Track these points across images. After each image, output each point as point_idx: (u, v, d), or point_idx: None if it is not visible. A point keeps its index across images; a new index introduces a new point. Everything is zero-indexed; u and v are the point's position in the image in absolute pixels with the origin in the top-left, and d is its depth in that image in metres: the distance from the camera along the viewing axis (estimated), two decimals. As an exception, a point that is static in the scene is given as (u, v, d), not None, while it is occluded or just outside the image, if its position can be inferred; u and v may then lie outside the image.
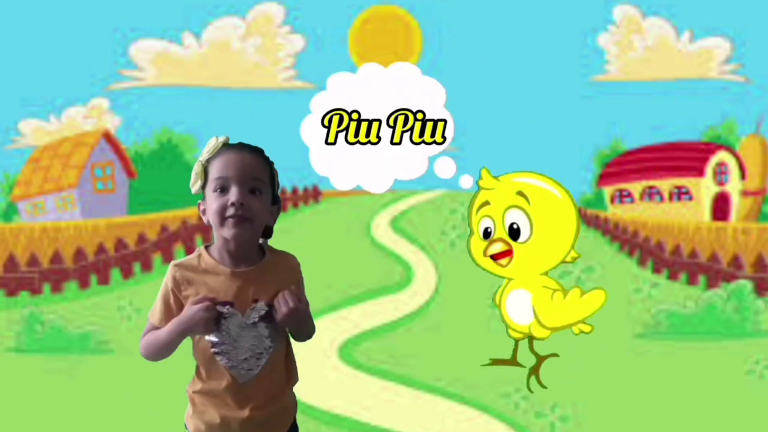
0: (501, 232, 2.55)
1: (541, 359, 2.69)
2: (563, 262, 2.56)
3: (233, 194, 2.12)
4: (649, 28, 21.84)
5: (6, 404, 5.82)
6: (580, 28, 21.74)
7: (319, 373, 6.59)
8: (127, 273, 12.03)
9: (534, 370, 2.69)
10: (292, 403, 2.30)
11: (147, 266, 12.38)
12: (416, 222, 17.01)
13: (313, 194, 21.27)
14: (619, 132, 21.51)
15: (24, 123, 21.40)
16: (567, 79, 21.91)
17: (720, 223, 16.97)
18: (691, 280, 11.76)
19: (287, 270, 2.25)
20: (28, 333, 7.66)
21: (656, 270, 12.72)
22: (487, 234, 2.57)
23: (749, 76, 21.09)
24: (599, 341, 7.62)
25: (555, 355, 2.67)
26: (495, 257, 2.56)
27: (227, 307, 2.14)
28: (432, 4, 21.21)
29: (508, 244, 2.53)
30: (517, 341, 2.71)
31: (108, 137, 20.05)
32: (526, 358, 2.76)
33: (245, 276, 2.17)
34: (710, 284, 11.15)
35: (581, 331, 2.59)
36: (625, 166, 20.65)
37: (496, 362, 2.75)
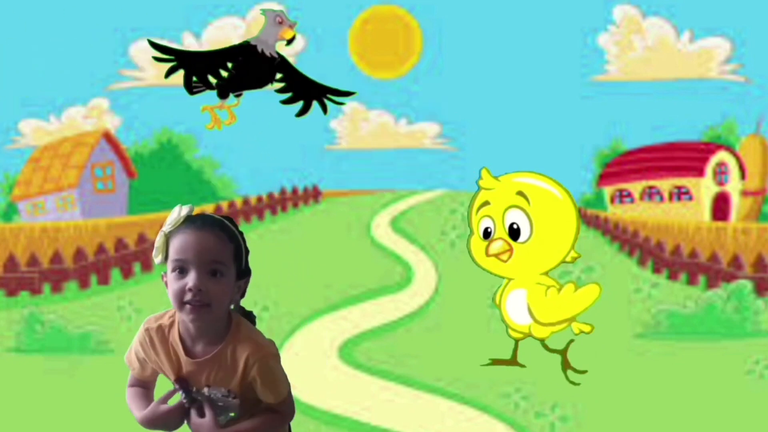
0: (501, 232, 2.55)
1: (564, 353, 2.69)
2: (563, 262, 2.56)
3: (191, 279, 2.03)
4: (649, 28, 21.83)
5: (6, 404, 5.81)
6: (580, 28, 21.71)
7: (319, 373, 6.59)
8: (127, 273, 12.03)
9: (566, 365, 2.70)
10: None
11: (147, 266, 12.38)
12: (416, 222, 17.01)
13: (313, 194, 21.27)
14: (619, 132, 21.47)
15: (24, 123, 21.38)
16: (567, 79, 21.88)
17: (720, 223, 16.97)
18: (691, 280, 11.75)
19: (242, 361, 2.12)
20: (28, 333, 7.66)
21: (656, 270, 12.72)
22: (487, 234, 2.58)
23: (749, 76, 21.06)
24: (599, 341, 7.61)
25: (571, 341, 2.67)
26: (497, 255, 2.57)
27: (178, 387, 2.13)
28: (432, 4, 21.21)
29: (508, 243, 2.54)
30: (517, 341, 2.71)
31: (108, 137, 20.04)
32: (527, 358, 2.76)
33: (198, 365, 2.12)
34: (710, 284, 11.14)
35: (581, 331, 2.59)
36: (625, 166, 20.64)
37: (496, 362, 2.75)
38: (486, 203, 2.58)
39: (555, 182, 2.56)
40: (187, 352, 2.12)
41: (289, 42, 3.08)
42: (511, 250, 2.54)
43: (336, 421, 5.30)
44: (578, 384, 2.69)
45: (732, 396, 5.98)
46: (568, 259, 2.55)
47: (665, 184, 19.89)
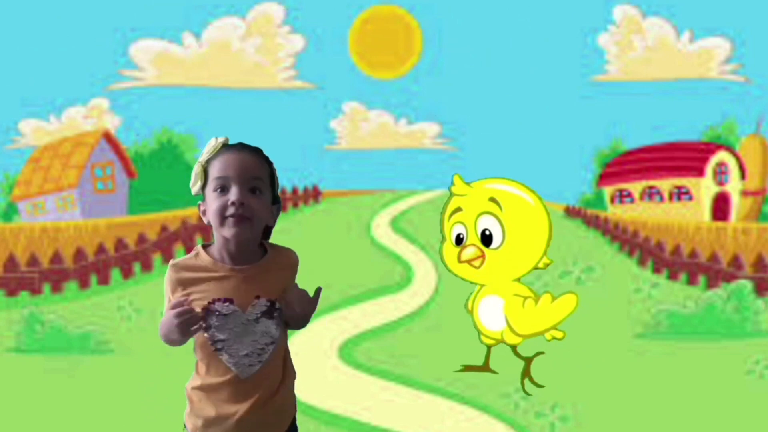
0: (473, 238, 2.56)
1: (528, 361, 2.70)
2: (536, 268, 2.56)
3: (233, 194, 2.13)
4: (649, 28, 21.85)
5: (6, 404, 5.82)
6: (580, 28, 21.77)
7: (319, 373, 6.59)
8: (127, 273, 12.03)
9: (525, 373, 2.70)
10: (291, 402, 2.29)
11: (147, 266, 12.38)
12: (416, 222, 17.01)
13: (313, 194, 21.29)
14: (619, 132, 21.55)
15: (24, 123, 21.42)
16: (567, 79, 21.94)
17: (720, 223, 16.97)
18: (691, 280, 11.76)
19: (287, 266, 2.28)
20: (28, 333, 7.66)
21: (656, 270, 12.72)
22: (459, 240, 2.59)
23: (749, 76, 21.10)
24: (599, 341, 7.63)
25: (541, 353, 2.67)
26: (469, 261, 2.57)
27: (226, 303, 2.15)
28: (432, 4, 21.22)
29: (480, 249, 2.54)
30: (489, 347, 2.72)
31: (108, 137, 20.06)
32: (501, 364, 2.75)
33: (246, 273, 2.18)
34: (710, 284, 11.15)
35: (553, 338, 2.59)
36: (625, 166, 20.66)
37: (468, 368, 2.75)
38: (458, 209, 2.59)
39: (527, 188, 2.57)
40: (233, 264, 2.19)
41: None
42: (483, 256, 2.55)
43: (336, 421, 5.30)
44: (531, 395, 2.69)
45: (732, 396, 5.99)
46: (541, 265, 2.56)
47: (665, 184, 19.90)
